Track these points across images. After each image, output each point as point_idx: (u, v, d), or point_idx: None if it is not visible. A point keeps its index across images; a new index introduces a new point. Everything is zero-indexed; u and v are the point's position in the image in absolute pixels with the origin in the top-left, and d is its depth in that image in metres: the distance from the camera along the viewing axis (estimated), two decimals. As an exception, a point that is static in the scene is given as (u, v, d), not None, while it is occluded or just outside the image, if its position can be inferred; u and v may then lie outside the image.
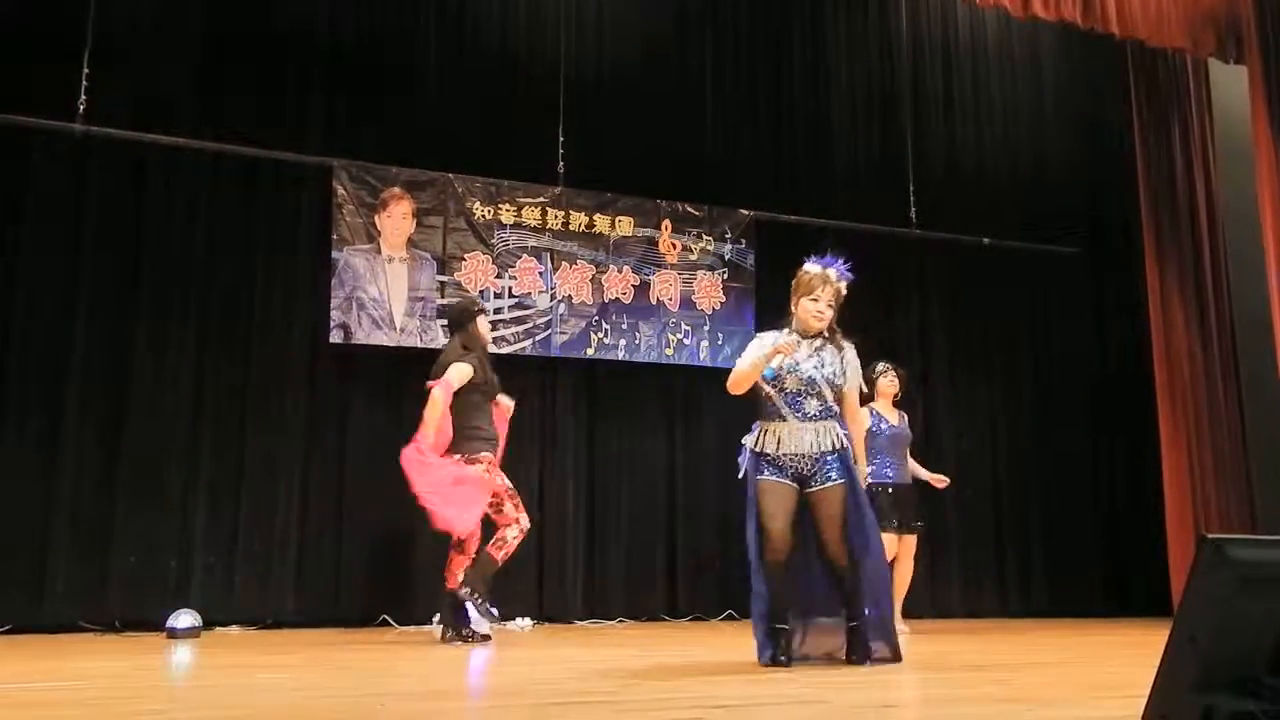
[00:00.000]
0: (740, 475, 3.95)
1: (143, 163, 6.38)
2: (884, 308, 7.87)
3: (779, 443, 3.88)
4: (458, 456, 5.15)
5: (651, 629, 6.51)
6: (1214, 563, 1.98)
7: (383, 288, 6.67)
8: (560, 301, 7.09)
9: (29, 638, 5.50)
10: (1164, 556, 7.43)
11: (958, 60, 8.49)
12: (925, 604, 7.07)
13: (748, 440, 3.96)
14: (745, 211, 7.65)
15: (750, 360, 3.93)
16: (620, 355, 7.19)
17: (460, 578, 5.08)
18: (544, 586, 6.82)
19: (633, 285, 7.31)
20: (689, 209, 7.50)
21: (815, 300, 3.99)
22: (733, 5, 7.89)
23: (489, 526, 5.24)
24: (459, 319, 5.47)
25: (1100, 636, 6.01)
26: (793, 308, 4.07)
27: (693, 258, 7.46)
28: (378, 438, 6.63)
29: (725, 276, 7.54)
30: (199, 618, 5.70)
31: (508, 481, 5.25)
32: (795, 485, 3.87)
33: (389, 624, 6.38)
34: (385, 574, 6.52)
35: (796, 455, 3.87)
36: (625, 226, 7.34)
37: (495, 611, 5.15)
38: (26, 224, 6.11)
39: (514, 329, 6.99)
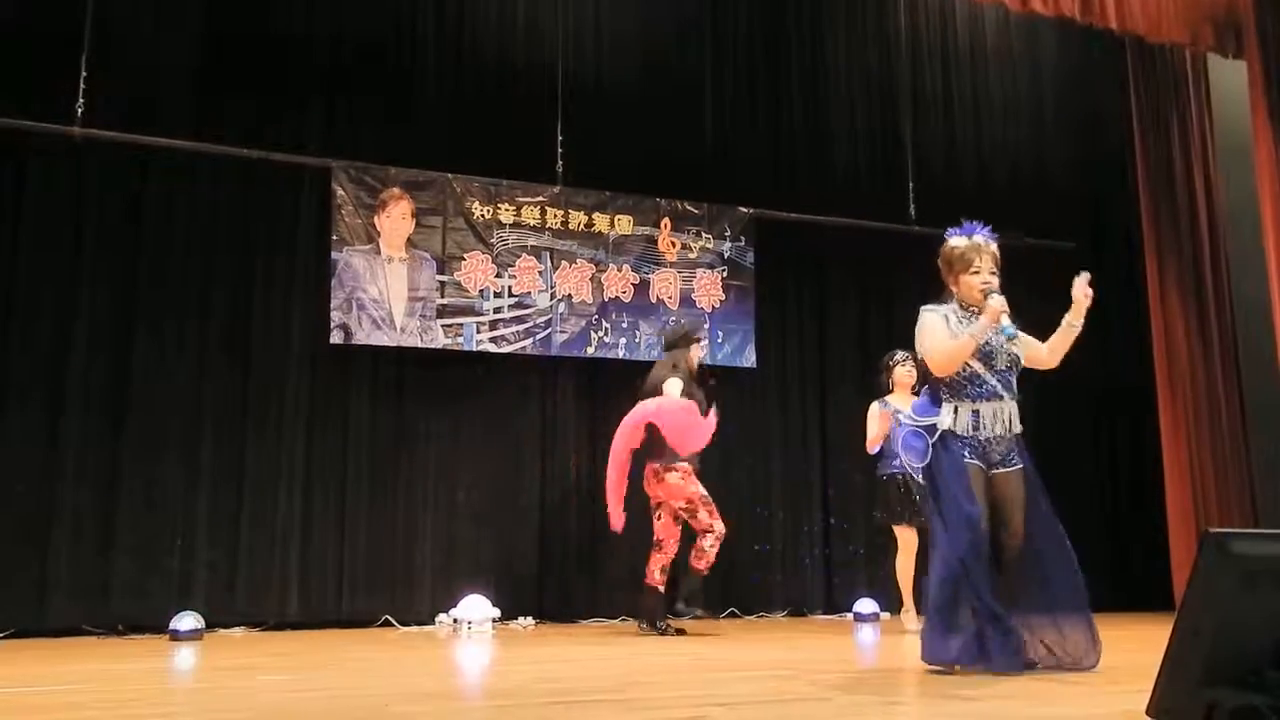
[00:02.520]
0: (921, 462, 3.70)
1: (142, 164, 6.38)
2: (884, 304, 7.84)
3: (993, 421, 3.69)
4: (657, 464, 5.58)
5: None
6: (1217, 558, 1.98)
7: (382, 288, 6.67)
8: (560, 300, 7.09)
9: (32, 641, 5.51)
10: (1166, 552, 7.45)
11: (957, 58, 8.46)
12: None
13: (942, 420, 3.70)
14: (744, 209, 7.64)
15: (965, 334, 3.67)
16: (620, 354, 7.17)
17: (655, 575, 5.59)
18: (545, 585, 6.84)
19: (632, 284, 7.30)
20: (688, 207, 7.50)
21: (977, 272, 3.79)
22: (732, 4, 7.88)
23: (689, 535, 5.69)
24: (677, 342, 5.90)
25: (1104, 632, 5.94)
26: (952, 286, 3.85)
27: (692, 256, 7.46)
28: (379, 438, 6.69)
29: (725, 274, 7.53)
30: (201, 620, 5.71)
31: (702, 489, 5.61)
32: (984, 468, 3.66)
33: (391, 624, 6.39)
34: (387, 575, 6.55)
35: (1001, 436, 3.69)
36: (624, 225, 7.33)
37: (697, 612, 5.74)
38: (25, 225, 6.11)
39: (514, 328, 6.98)
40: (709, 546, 5.59)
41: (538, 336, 7.01)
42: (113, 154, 6.26)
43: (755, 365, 7.47)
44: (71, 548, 5.93)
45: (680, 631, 5.71)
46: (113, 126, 6.22)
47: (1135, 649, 4.62)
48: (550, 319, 7.05)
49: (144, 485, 6.13)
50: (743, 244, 7.60)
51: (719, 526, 5.61)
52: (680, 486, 5.59)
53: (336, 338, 6.54)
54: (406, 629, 6.29)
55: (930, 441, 3.66)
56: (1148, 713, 2.10)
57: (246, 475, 6.35)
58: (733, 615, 7.14)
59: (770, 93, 7.92)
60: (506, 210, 7.05)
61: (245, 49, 6.63)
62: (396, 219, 6.77)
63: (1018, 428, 3.71)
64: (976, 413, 3.68)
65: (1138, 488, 8.11)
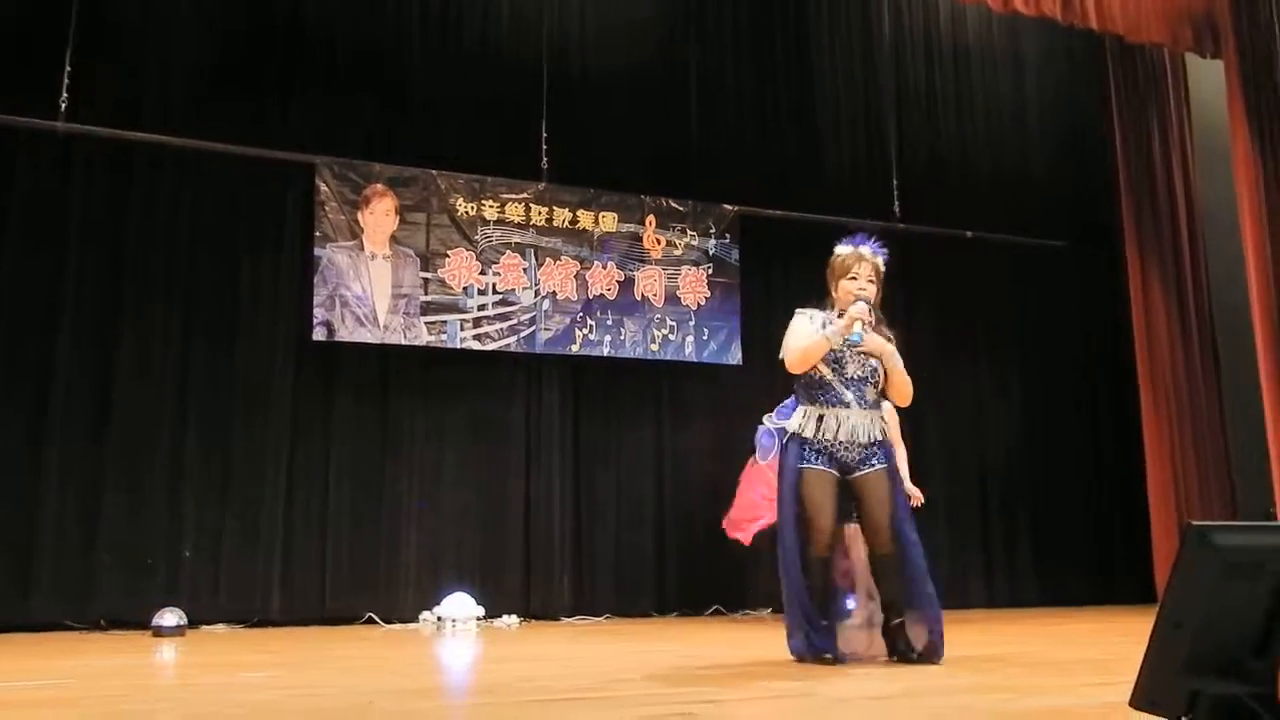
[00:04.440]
0: (765, 460, 3.82)
1: (126, 161, 6.34)
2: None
3: (836, 428, 3.73)
4: None
5: (639, 625, 6.50)
6: (1198, 549, 1.99)
7: (366, 285, 6.65)
8: (544, 298, 7.07)
9: (15, 636, 5.46)
10: (1148, 544, 7.51)
11: (940, 55, 8.48)
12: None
13: (790, 423, 3.82)
14: (729, 207, 7.63)
15: (821, 334, 3.76)
16: (605, 351, 7.16)
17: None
18: (530, 584, 6.82)
19: (617, 281, 7.28)
20: (673, 204, 7.49)
21: (854, 279, 3.86)
22: (717, 1, 7.88)
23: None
24: None
25: (1087, 624, 6.02)
26: (832, 292, 3.93)
27: (677, 253, 7.45)
28: (363, 436, 6.67)
29: (710, 272, 7.53)
30: (184, 616, 5.68)
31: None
32: (837, 474, 3.75)
33: (375, 622, 6.37)
34: (371, 572, 6.53)
35: (849, 443, 3.74)
36: (609, 222, 7.32)
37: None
38: (10, 222, 6.07)
39: (497, 326, 6.96)
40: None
41: (522, 334, 6.99)
42: (97, 150, 6.24)
43: (741, 362, 7.46)
44: (54, 543, 5.89)
45: None
46: (97, 122, 6.20)
47: (1118, 640, 4.63)
48: (534, 316, 7.03)
49: (127, 481, 6.10)
50: (728, 241, 7.60)
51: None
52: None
53: (320, 335, 6.51)
54: (390, 627, 6.27)
55: (779, 442, 3.79)
56: (1131, 703, 2.11)
57: (229, 472, 6.32)
58: (718, 613, 7.16)
59: (756, 90, 7.91)
60: (491, 207, 7.02)
61: (230, 44, 6.61)
62: (380, 215, 6.75)
63: (875, 437, 3.75)
64: (821, 418, 3.74)
65: (1120, 483, 8.15)
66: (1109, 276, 8.26)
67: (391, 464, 6.68)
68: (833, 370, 3.77)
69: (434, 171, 6.92)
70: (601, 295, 7.22)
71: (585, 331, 7.14)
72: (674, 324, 7.38)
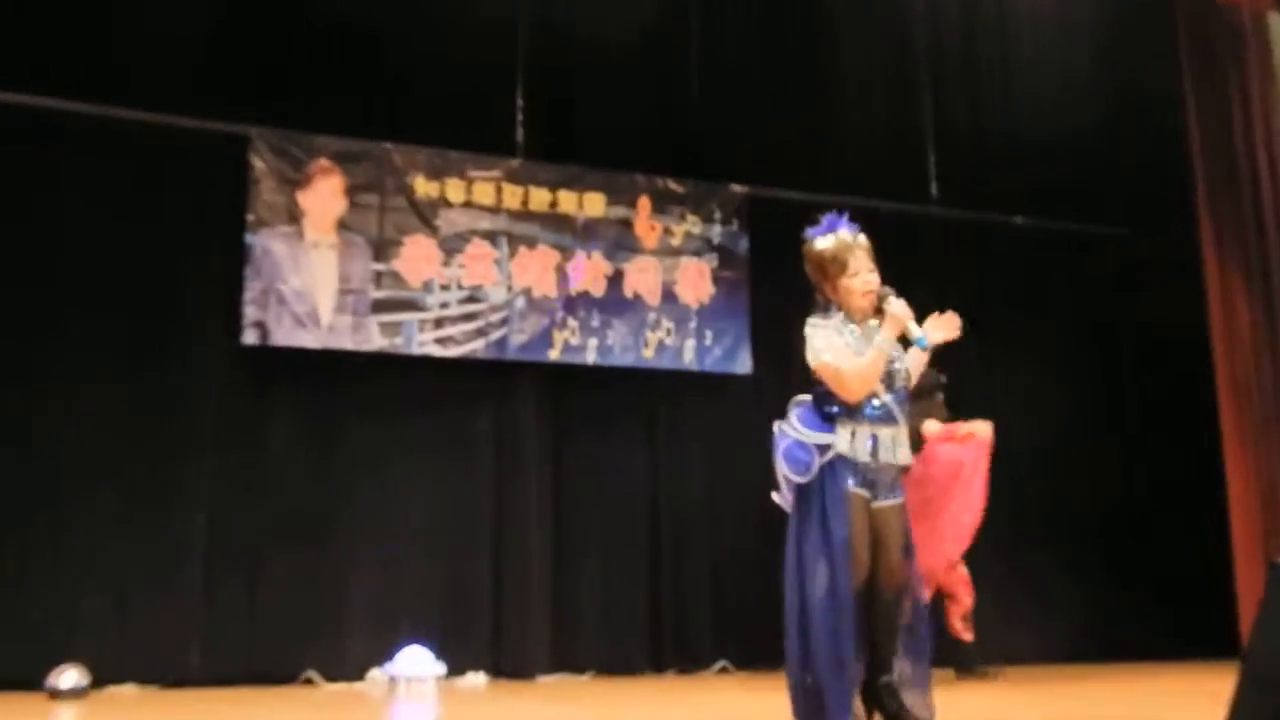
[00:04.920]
0: (802, 478, 3.75)
1: (24, 131, 6.26)
2: (902, 293, 7.73)
3: (888, 449, 3.73)
4: None
5: (630, 685, 6.48)
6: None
7: (307, 278, 6.61)
8: (518, 295, 7.02)
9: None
10: (1230, 584, 7.36)
11: (982, 14, 8.52)
12: (949, 647, 6.83)
13: (839, 443, 3.73)
14: (737, 188, 7.62)
15: (874, 347, 3.72)
16: (590, 359, 7.12)
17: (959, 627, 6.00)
18: (501, 635, 6.80)
19: (604, 275, 7.24)
20: (671, 185, 7.46)
21: (855, 273, 3.78)
22: (723, -52, 7.88)
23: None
24: (920, 393, 5.88)
25: (1159, 682, 5.97)
26: (831, 295, 3.84)
27: (675, 242, 7.42)
28: (301, 459, 6.62)
29: (714, 264, 7.49)
30: (86, 675, 5.59)
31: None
32: (870, 498, 3.76)
33: (314, 682, 6.32)
34: (310, 621, 6.48)
35: (890, 466, 3.75)
36: (595, 205, 7.28)
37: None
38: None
39: (463, 327, 6.90)
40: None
41: (491, 337, 6.94)
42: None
43: (751, 372, 7.42)
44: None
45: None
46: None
47: (1197, 704, 4.52)
48: (507, 317, 6.99)
49: (16, 514, 6.00)
50: (735, 228, 7.57)
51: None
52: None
53: (251, 338, 6.46)
54: (333, 687, 6.22)
55: (818, 461, 3.74)
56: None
57: (141, 502, 6.24)
58: (725, 671, 7.10)
59: (768, 52, 7.91)
60: (455, 187, 6.99)
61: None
62: (324, 196, 6.71)
63: (908, 458, 3.80)
64: (875, 438, 3.75)
65: (1195, 510, 8.01)
66: (1181, 270, 8.08)
67: (336, 492, 6.62)
68: (884, 385, 3.77)
69: (389, 145, 6.87)
70: (586, 292, 7.17)
71: (566, 335, 7.09)
72: (671, 326, 7.34)
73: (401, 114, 6.97)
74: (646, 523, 7.27)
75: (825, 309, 3.84)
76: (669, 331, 7.32)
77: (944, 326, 3.82)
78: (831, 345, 3.76)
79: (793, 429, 3.82)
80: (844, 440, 3.74)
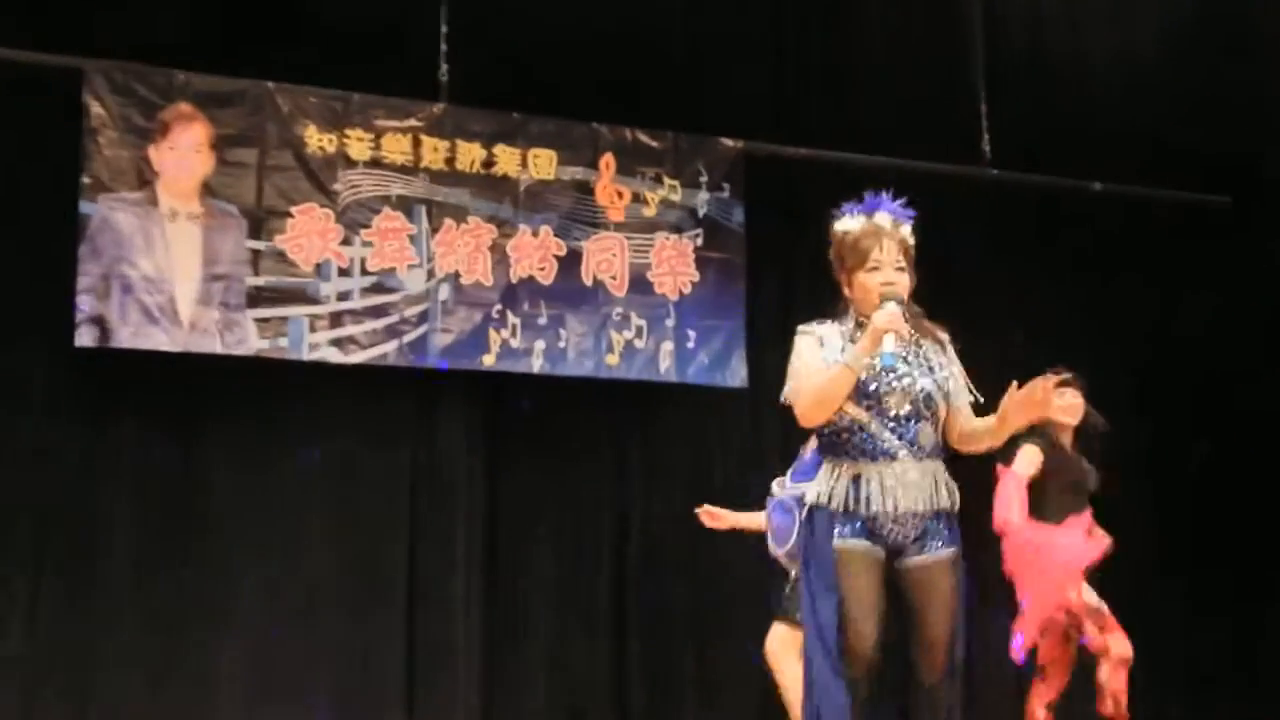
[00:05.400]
0: (782, 549, 3.96)
1: None
2: (943, 284, 7.57)
3: (881, 494, 3.75)
4: None
5: None
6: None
7: (162, 260, 6.33)
8: (442, 282, 6.81)
9: None
10: None
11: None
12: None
13: (811, 490, 3.88)
14: (729, 142, 7.39)
15: (839, 362, 3.75)
16: (536, 366, 6.93)
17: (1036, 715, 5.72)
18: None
19: (556, 256, 7.04)
20: (643, 137, 7.24)
21: (877, 268, 3.80)
22: None
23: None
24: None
25: None
26: (844, 289, 3.90)
27: (649, 213, 7.20)
28: (153, 493, 6.40)
29: (700, 242, 7.28)
30: None
31: (1091, 595, 5.65)
32: (884, 554, 3.80)
33: None
34: (160, 712, 6.22)
35: (905, 514, 3.76)
36: (544, 165, 7.06)
37: None
38: None
39: (368, 325, 6.65)
40: (1105, 678, 5.62)
41: (407, 338, 6.73)
42: None
43: (746, 384, 7.26)
44: None
45: None
46: None
47: None
48: (427, 310, 6.78)
49: None
50: (727, 195, 7.35)
51: (1119, 645, 5.61)
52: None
53: (86, 338, 6.18)
54: None
55: (798, 518, 3.90)
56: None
57: None
58: None
59: None
60: (359, 140, 6.74)
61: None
62: (185, 152, 6.43)
63: (943, 501, 3.80)
64: (858, 478, 3.79)
65: None
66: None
67: (198, 540, 6.42)
68: (869, 409, 3.78)
69: (270, 84, 6.60)
70: (531, 278, 6.99)
71: (506, 334, 6.90)
72: (643, 325, 7.15)
73: (287, 43, 6.68)
74: (609, 580, 7.15)
75: (834, 310, 3.95)
76: (640, 331, 7.15)
77: (1027, 404, 3.75)
78: (804, 358, 3.86)
79: (782, 482, 4.22)
80: (818, 488, 3.82)
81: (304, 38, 6.77)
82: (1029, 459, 5.63)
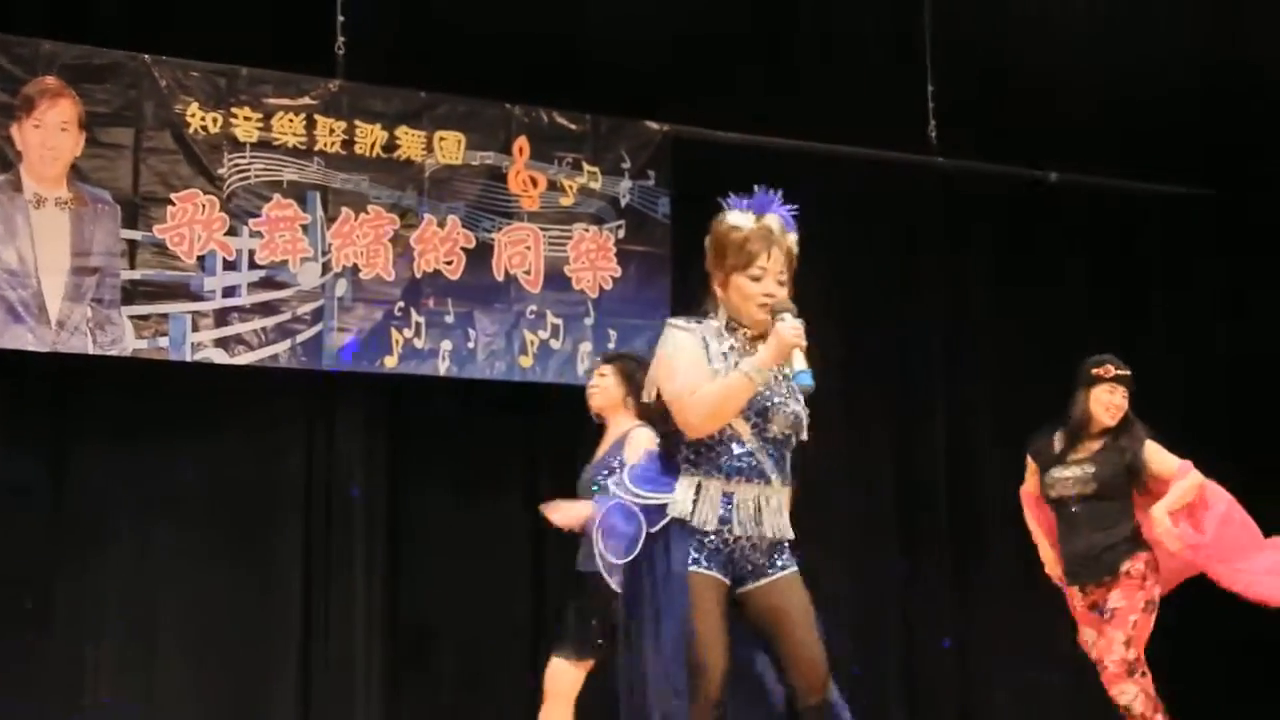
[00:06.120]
0: (620, 559, 3.85)
1: None
2: (886, 279, 7.85)
3: (751, 515, 3.80)
4: None
5: None
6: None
7: (26, 251, 6.32)
8: (339, 276, 6.83)
9: None
10: None
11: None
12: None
13: (675, 502, 3.80)
14: (654, 125, 7.47)
15: (739, 373, 3.74)
16: (442, 369, 6.96)
17: None
18: None
19: (464, 249, 7.08)
20: (560, 120, 7.31)
21: (760, 276, 3.85)
22: None
23: None
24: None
25: None
26: (716, 288, 3.94)
27: (566, 202, 7.29)
28: (25, 513, 6.35)
29: (622, 234, 7.37)
30: None
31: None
32: (729, 583, 3.83)
33: None
34: None
35: (762, 540, 3.82)
36: (451, 149, 7.10)
37: None
38: None
39: (258, 323, 6.65)
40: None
41: (300, 337, 6.73)
42: None
43: None
44: None
45: None
46: None
47: None
48: (322, 308, 6.79)
49: None
50: (651, 183, 7.44)
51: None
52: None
53: None
54: None
55: (645, 529, 3.80)
56: None
57: None
58: None
59: None
60: (247, 120, 6.75)
61: None
62: (52, 131, 6.41)
63: (787, 533, 3.90)
64: (729, 497, 3.81)
65: None
66: (1270, 241, 8.29)
67: (62, 574, 6.41)
68: (754, 427, 3.84)
69: (146, 57, 6.56)
70: (437, 272, 7.02)
71: (409, 334, 6.94)
72: (560, 323, 7.23)
73: (167, 11, 6.70)
74: (527, 612, 7.18)
75: (698, 310, 3.99)
76: (556, 331, 7.22)
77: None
78: (683, 351, 3.85)
79: (621, 483, 3.92)
80: (683, 498, 3.78)
81: (185, 5, 6.79)
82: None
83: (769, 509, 3.83)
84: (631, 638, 3.82)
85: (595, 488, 5.59)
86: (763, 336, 3.86)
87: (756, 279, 3.85)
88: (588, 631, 5.70)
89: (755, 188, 4.04)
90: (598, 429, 6.15)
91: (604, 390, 5.86)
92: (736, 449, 3.82)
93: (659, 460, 3.99)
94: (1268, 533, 6.54)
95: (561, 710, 5.77)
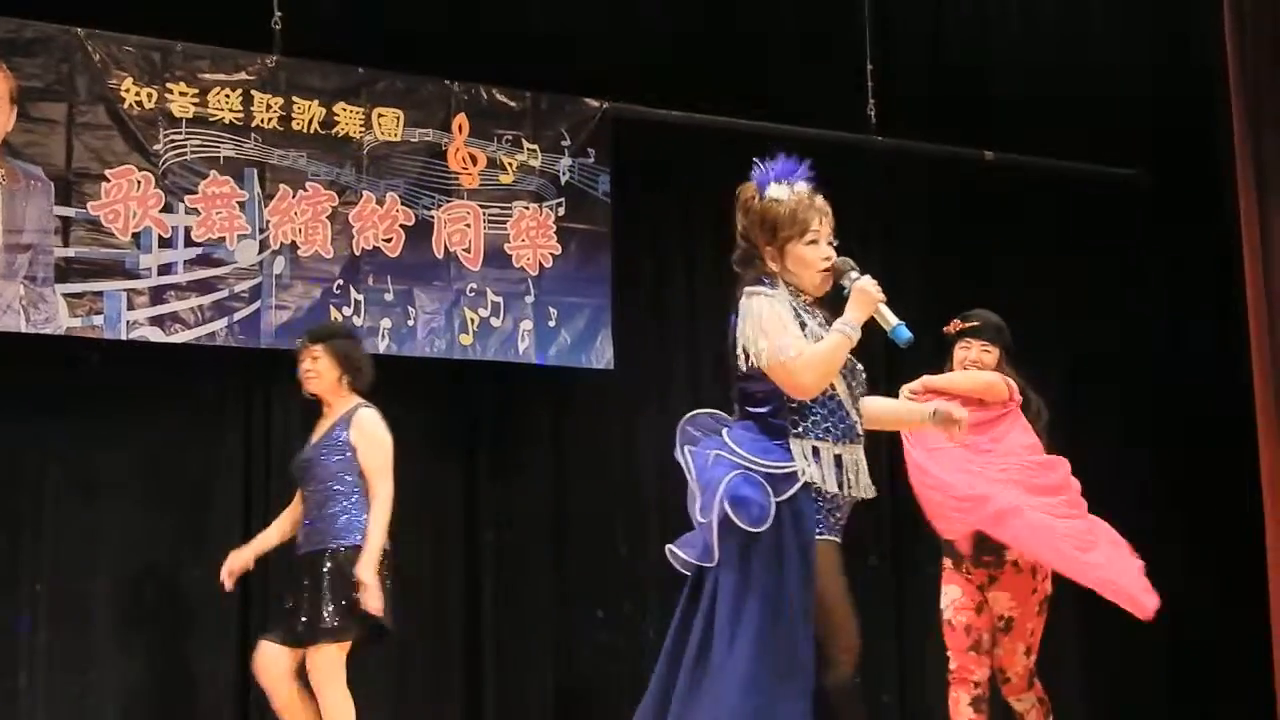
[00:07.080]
0: (763, 523, 3.73)
1: None
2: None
3: (855, 479, 3.91)
4: None
5: None
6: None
7: None
8: (277, 254, 6.80)
9: None
10: (1268, 665, 7.33)
11: None
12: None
13: (799, 466, 3.80)
14: (594, 103, 7.48)
15: (837, 331, 3.82)
16: (381, 346, 6.88)
17: None
18: None
19: (403, 226, 7.06)
20: (500, 96, 7.31)
21: (816, 241, 3.91)
22: None
23: None
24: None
25: None
26: (770, 263, 3.93)
27: (506, 180, 7.28)
28: None
29: (562, 211, 7.37)
30: None
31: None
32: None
33: None
34: None
35: (850, 501, 3.93)
36: (390, 125, 7.09)
37: None
38: None
39: (194, 301, 6.61)
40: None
41: (237, 315, 6.71)
42: None
43: (612, 365, 7.38)
44: None
45: None
46: None
47: None
48: (260, 285, 6.76)
49: None
50: (592, 161, 7.45)
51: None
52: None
53: None
54: None
55: (774, 499, 3.75)
56: None
57: None
58: None
59: None
60: (182, 95, 6.70)
61: None
62: None
63: (871, 490, 3.97)
64: (839, 459, 3.88)
65: (1222, 561, 8.07)
66: (1208, 227, 8.22)
67: None
68: (848, 386, 3.92)
69: (79, 30, 6.50)
70: (376, 250, 7.00)
71: (348, 312, 6.92)
72: (500, 301, 7.21)
73: None
74: (460, 596, 7.14)
75: (752, 277, 3.95)
76: (496, 309, 7.20)
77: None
78: (777, 319, 3.82)
79: (734, 452, 3.80)
80: (808, 464, 3.79)
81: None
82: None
83: (863, 469, 3.90)
84: (733, 618, 3.71)
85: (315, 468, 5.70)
86: (820, 301, 3.96)
87: (814, 243, 3.91)
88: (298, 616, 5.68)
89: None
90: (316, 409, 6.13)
91: (319, 375, 5.87)
92: (840, 411, 3.89)
93: (757, 427, 3.92)
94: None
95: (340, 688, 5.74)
